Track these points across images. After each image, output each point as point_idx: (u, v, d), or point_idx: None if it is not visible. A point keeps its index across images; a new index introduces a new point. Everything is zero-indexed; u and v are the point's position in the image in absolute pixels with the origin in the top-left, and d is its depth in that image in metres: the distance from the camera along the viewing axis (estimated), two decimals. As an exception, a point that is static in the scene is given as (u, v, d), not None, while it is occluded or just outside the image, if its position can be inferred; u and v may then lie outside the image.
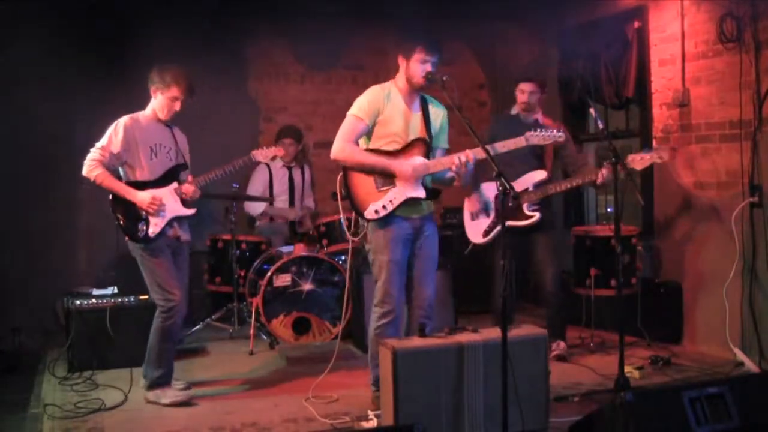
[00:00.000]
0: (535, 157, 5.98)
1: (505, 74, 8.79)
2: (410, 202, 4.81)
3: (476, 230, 6.03)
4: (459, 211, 7.87)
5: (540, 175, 5.93)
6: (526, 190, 5.90)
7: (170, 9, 7.00)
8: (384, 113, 4.84)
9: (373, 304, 4.92)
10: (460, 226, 7.78)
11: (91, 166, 5.09)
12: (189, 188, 5.30)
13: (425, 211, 4.95)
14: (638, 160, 5.64)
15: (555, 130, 4.93)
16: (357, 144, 4.87)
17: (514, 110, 6.17)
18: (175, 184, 5.30)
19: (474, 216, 6.07)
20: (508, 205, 4.36)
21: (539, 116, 6.08)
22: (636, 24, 6.83)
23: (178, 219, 5.31)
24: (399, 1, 7.23)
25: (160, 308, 5.21)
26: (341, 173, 4.88)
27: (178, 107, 5.25)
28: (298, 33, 7.94)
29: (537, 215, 5.88)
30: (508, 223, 5.67)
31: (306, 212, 7.71)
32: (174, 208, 5.26)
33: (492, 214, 5.98)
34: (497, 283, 5.90)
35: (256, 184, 7.63)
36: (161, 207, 5.18)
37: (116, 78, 6.62)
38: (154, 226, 5.17)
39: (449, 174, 4.85)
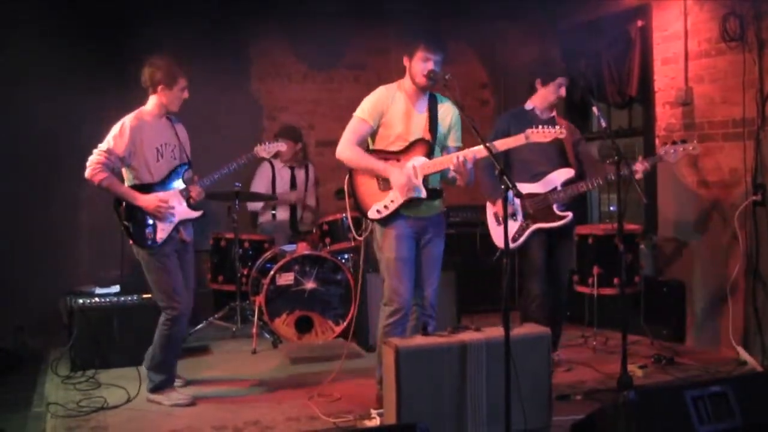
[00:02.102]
0: (559, 155, 5.71)
1: (507, 73, 8.79)
2: (412, 202, 4.81)
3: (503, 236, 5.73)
4: (462, 209, 7.90)
5: (567, 173, 5.65)
6: (555, 189, 5.62)
7: (171, 9, 7.00)
8: (387, 115, 4.85)
9: (382, 303, 4.91)
10: (464, 224, 7.82)
11: (94, 170, 4.99)
12: (195, 189, 5.25)
13: (430, 212, 4.93)
14: (671, 153, 5.42)
15: (558, 126, 4.89)
16: (361, 145, 4.89)
17: (529, 106, 5.80)
18: (180, 186, 5.25)
19: (500, 220, 5.68)
20: (509, 204, 4.32)
21: (554, 113, 5.81)
22: (639, 23, 6.83)
23: (184, 221, 5.25)
24: (400, 0, 7.23)
25: (164, 315, 5.17)
26: (348, 173, 4.90)
27: (187, 95, 5.21)
28: (300, 33, 7.94)
29: (569, 215, 5.61)
30: (540, 225, 5.59)
31: (305, 204, 7.71)
32: (181, 211, 5.21)
33: (519, 218, 5.66)
34: (529, 285, 5.68)
35: (259, 183, 7.63)
36: (169, 211, 5.13)
37: (117, 78, 6.62)
38: (162, 231, 5.11)
39: (450, 174, 4.85)
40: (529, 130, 4.83)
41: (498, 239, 5.76)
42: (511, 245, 5.59)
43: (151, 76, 5.14)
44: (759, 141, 5.85)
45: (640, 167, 5.44)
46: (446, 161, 4.79)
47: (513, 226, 5.62)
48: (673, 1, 6.51)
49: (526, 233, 5.60)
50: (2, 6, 6.49)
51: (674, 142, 5.52)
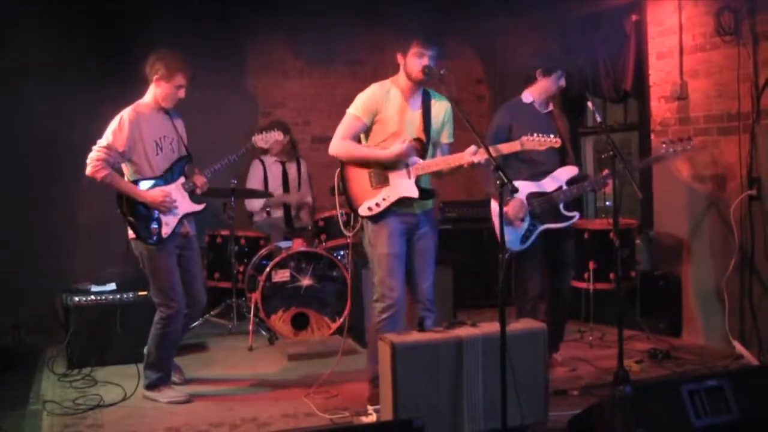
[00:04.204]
0: (560, 152, 5.53)
1: (504, 68, 8.79)
2: (404, 201, 4.80)
3: (513, 236, 5.43)
4: (457, 204, 7.90)
5: (572, 171, 5.52)
6: (560, 188, 5.48)
7: (169, 6, 6.99)
8: (382, 112, 4.83)
9: (373, 299, 4.90)
10: (460, 219, 7.82)
11: (96, 167, 4.95)
12: (200, 179, 5.24)
13: (418, 209, 4.92)
14: (671, 153, 5.44)
15: (551, 136, 4.82)
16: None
17: (528, 98, 5.65)
18: (182, 179, 5.23)
19: (507, 221, 5.39)
20: (506, 199, 4.27)
21: (551, 107, 5.72)
22: (634, 17, 6.83)
23: (187, 215, 5.24)
24: (396, -4, 7.21)
25: (159, 313, 5.16)
26: (339, 169, 4.89)
27: (182, 95, 5.17)
28: (297, 28, 7.92)
29: (576, 215, 5.51)
30: (548, 225, 5.48)
31: (303, 202, 7.71)
32: (185, 204, 5.20)
33: (527, 219, 5.44)
34: (526, 286, 5.59)
35: (252, 181, 7.63)
36: (173, 205, 5.12)
37: (116, 76, 6.59)
38: (167, 227, 5.09)
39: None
40: (524, 138, 4.78)
41: (507, 240, 5.37)
42: (521, 247, 5.48)
43: (152, 65, 5.12)
44: (754, 135, 5.85)
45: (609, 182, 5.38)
46: (440, 163, 4.80)
47: (521, 227, 5.47)
48: (668, -4, 6.53)
49: (535, 234, 5.48)
50: (2, 6, 6.47)
51: (672, 141, 5.49)
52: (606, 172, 5.43)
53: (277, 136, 5.59)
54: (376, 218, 4.80)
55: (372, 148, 4.84)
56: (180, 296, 5.16)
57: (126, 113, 5.07)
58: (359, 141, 4.93)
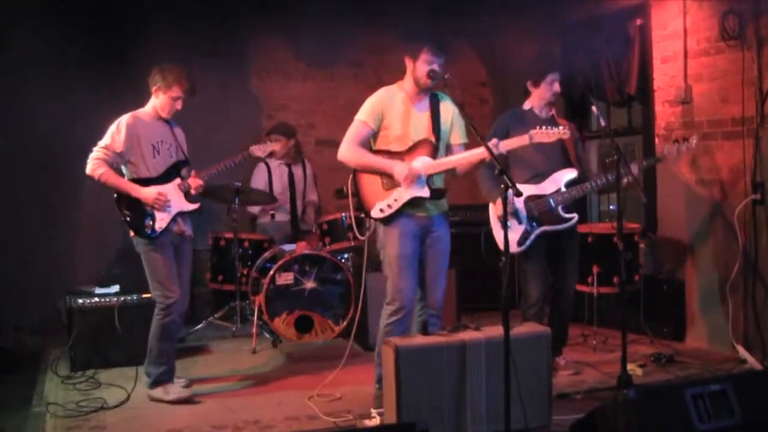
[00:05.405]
0: (561, 155, 5.55)
1: (506, 71, 8.78)
2: (415, 202, 4.81)
3: (509, 239, 5.29)
4: (462, 208, 7.88)
5: (571, 173, 5.49)
6: (558, 190, 5.45)
7: (170, 8, 6.99)
8: (388, 117, 4.84)
9: (385, 302, 4.89)
10: (464, 223, 7.80)
11: (95, 165, 5.16)
12: (195, 181, 5.38)
13: (434, 211, 4.92)
14: (674, 152, 5.39)
15: (561, 127, 4.85)
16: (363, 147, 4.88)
17: (527, 106, 5.69)
18: (178, 180, 5.39)
19: (501, 224, 5.27)
20: (511, 203, 4.26)
21: (553, 112, 5.70)
22: (638, 21, 6.83)
23: (182, 214, 5.40)
24: (399, -2, 7.22)
25: (158, 305, 5.29)
26: (352, 173, 4.92)
27: (179, 106, 5.33)
28: (299, 30, 7.91)
29: (575, 217, 5.48)
30: (546, 228, 5.46)
31: (308, 199, 7.72)
32: (178, 203, 5.36)
33: (524, 221, 5.43)
34: (528, 290, 5.56)
35: (257, 184, 7.62)
36: (167, 202, 5.27)
37: (117, 77, 6.61)
38: (160, 221, 5.27)
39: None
40: (532, 131, 4.76)
41: (503, 242, 5.56)
42: (518, 249, 5.47)
43: (152, 76, 5.30)
44: (758, 139, 5.85)
45: (630, 176, 5.25)
46: (451, 163, 4.81)
47: (518, 229, 5.45)
48: (672, 0, 6.51)
49: (532, 236, 5.45)
50: (2, 6, 6.48)
51: (675, 141, 5.49)
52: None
53: (274, 146, 5.71)
54: (387, 220, 4.82)
55: (378, 157, 4.85)
56: (177, 287, 5.30)
57: (125, 118, 5.27)
58: (370, 146, 4.93)
